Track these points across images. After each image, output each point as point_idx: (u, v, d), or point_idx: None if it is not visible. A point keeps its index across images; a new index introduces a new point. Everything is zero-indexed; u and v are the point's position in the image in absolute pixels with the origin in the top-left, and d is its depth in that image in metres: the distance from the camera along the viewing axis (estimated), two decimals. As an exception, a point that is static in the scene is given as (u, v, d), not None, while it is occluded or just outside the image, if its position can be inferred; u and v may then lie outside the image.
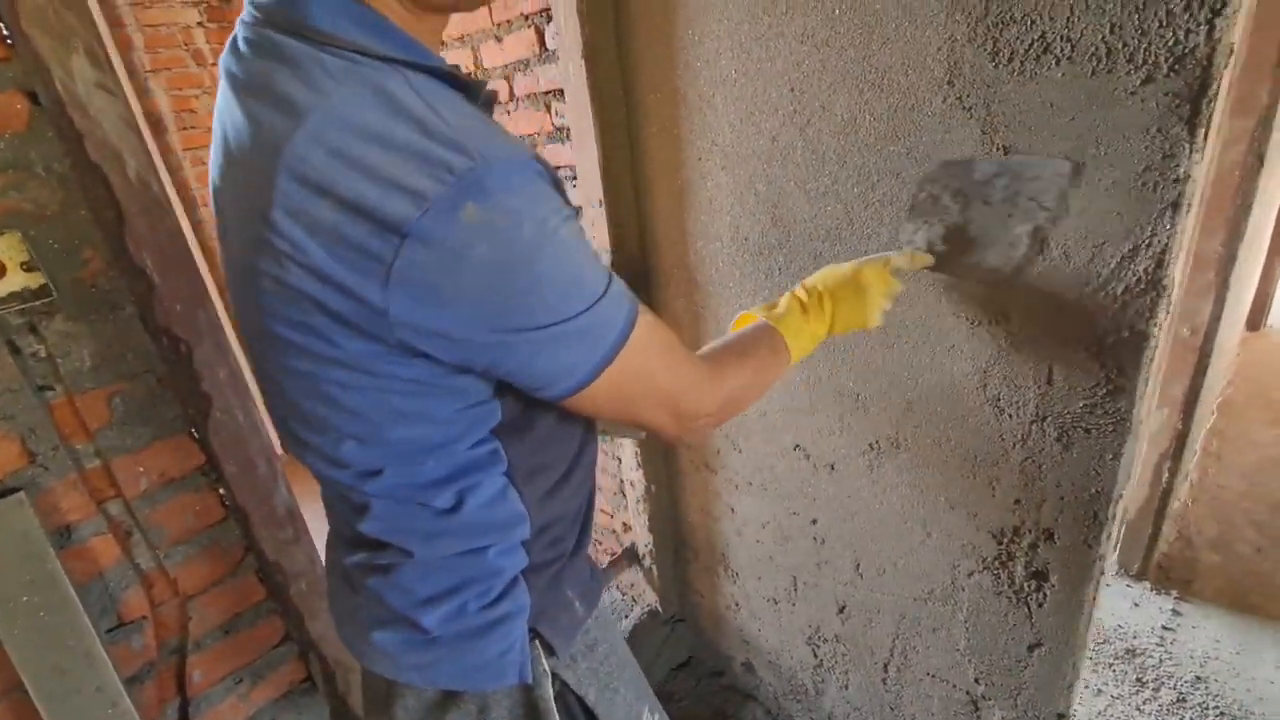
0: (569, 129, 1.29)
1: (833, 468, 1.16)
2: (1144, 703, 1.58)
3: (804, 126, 0.95)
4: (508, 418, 0.57)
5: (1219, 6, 0.59)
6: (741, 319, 0.78)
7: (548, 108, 1.37)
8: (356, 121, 0.43)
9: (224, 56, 0.51)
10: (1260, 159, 1.39)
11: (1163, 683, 1.62)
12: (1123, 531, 1.94)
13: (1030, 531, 0.93)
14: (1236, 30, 0.62)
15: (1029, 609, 0.98)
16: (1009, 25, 0.72)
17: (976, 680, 1.10)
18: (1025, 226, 0.76)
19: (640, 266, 1.33)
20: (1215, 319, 1.55)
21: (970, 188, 0.79)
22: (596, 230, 1.29)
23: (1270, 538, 2.07)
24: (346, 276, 0.44)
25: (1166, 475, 1.76)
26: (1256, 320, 3.54)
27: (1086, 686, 1.64)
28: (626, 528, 1.77)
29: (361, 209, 0.43)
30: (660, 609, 1.76)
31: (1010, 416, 0.88)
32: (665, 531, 1.63)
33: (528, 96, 1.40)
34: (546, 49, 1.30)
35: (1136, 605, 1.87)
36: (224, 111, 0.50)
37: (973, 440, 0.94)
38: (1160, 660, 1.69)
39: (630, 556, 1.70)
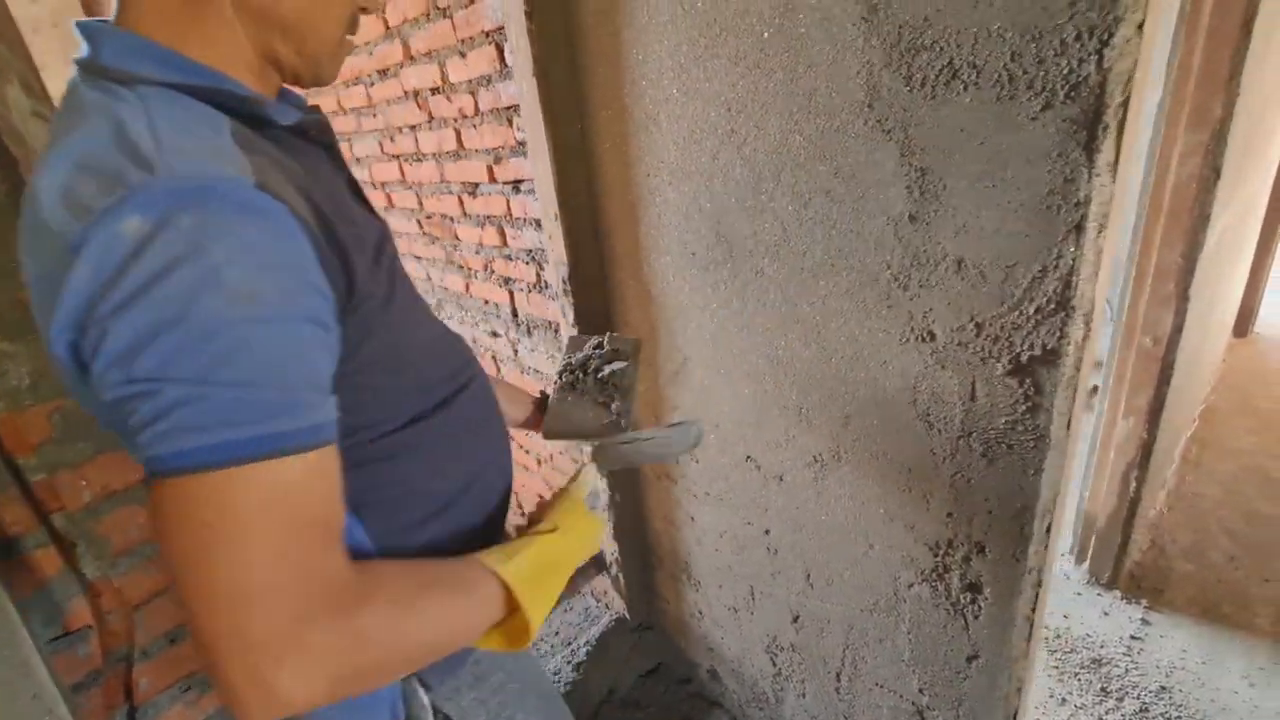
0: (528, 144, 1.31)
1: (781, 479, 1.17)
2: (1107, 712, 1.58)
3: (741, 145, 0.97)
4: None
5: (1107, 37, 0.61)
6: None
7: (509, 122, 1.39)
8: (76, 154, 0.40)
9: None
10: (1216, 171, 1.40)
11: (1127, 693, 1.63)
12: (1093, 541, 1.95)
13: (963, 544, 0.94)
14: (1134, 59, 0.63)
15: (965, 620, 0.99)
16: (920, 52, 0.73)
17: (920, 690, 1.11)
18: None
19: (596, 277, 1.34)
20: (1177, 329, 1.55)
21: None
22: (553, 242, 1.31)
23: (1244, 547, 2.08)
24: (54, 321, 0.39)
25: (1134, 484, 1.77)
26: (1243, 327, 3.53)
27: (1051, 696, 1.64)
28: (597, 535, 1.79)
29: (61, 238, 0.39)
30: (628, 616, 1.77)
31: (939, 431, 0.90)
32: (631, 539, 1.64)
33: (491, 111, 1.43)
34: (506, 65, 1.32)
35: (1106, 614, 1.88)
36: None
37: (907, 454, 0.95)
38: (1126, 670, 1.69)
39: (598, 564, 1.71)
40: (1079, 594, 1.96)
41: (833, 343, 0.97)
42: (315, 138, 0.58)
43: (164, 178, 0.38)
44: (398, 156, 1.84)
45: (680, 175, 1.08)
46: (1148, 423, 1.67)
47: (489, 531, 0.66)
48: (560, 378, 0.92)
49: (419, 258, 2.00)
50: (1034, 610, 0.98)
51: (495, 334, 1.82)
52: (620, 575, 1.67)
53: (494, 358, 1.87)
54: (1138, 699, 1.61)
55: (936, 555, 0.98)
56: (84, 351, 0.38)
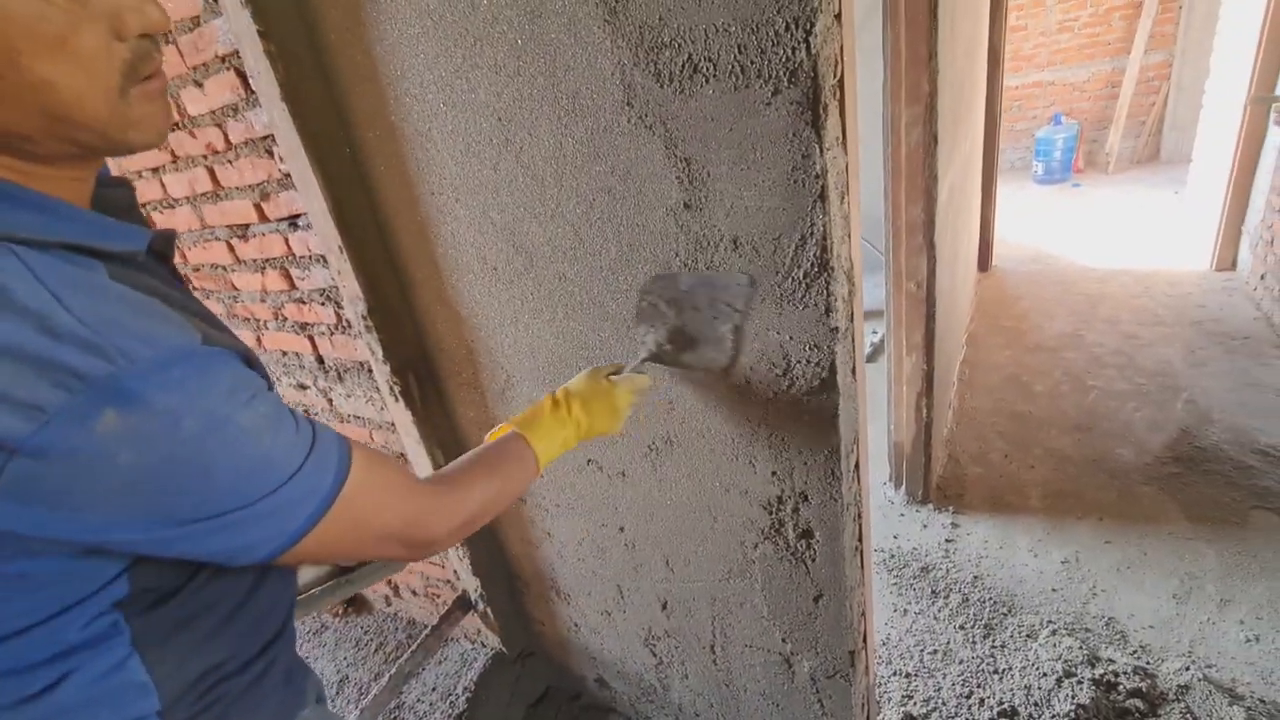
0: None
1: (624, 475, 1.19)
2: (939, 611, 1.82)
3: (519, 153, 0.96)
4: (137, 589, 0.47)
5: (810, 26, 0.68)
6: (497, 430, 0.81)
7: (269, 153, 1.26)
8: None
9: None
10: (934, 138, 1.66)
11: (951, 589, 1.88)
12: (904, 466, 2.22)
13: (790, 497, 1.02)
14: (838, 44, 0.72)
15: (806, 566, 1.08)
16: (663, 49, 0.77)
17: (784, 640, 1.19)
18: (727, 326, 0.91)
19: (400, 307, 1.27)
20: (931, 273, 1.82)
21: (679, 297, 0.93)
22: (344, 278, 1.21)
23: (1014, 444, 2.49)
24: None
25: (925, 410, 2.04)
26: (985, 262, 4.24)
27: (895, 610, 1.85)
28: (457, 575, 1.69)
29: None
30: (505, 649, 1.70)
31: (751, 399, 0.96)
32: (492, 570, 1.58)
33: (245, 143, 1.28)
34: (252, 91, 1.19)
35: (925, 527, 2.16)
36: None
37: (728, 426, 1.01)
38: (946, 571, 1.96)
39: (463, 605, 1.63)
40: (902, 515, 2.23)
41: (643, 334, 1.00)
42: (161, 249, 0.55)
43: (122, 365, 0.39)
44: (144, 205, 1.60)
45: (465, 190, 1.05)
46: (925, 355, 1.93)
47: (285, 610, 0.65)
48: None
49: (193, 316, 1.75)
50: (860, 541, 1.09)
51: (303, 386, 1.65)
52: (488, 609, 1.60)
53: (307, 412, 1.69)
54: (960, 593, 1.86)
55: (771, 513, 1.05)
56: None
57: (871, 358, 3.16)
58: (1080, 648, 1.59)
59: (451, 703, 1.62)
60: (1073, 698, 1.46)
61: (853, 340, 0.91)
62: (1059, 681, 1.51)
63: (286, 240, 1.36)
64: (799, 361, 0.89)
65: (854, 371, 0.93)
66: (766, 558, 1.11)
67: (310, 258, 1.34)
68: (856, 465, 1.02)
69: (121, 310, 0.42)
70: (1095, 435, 2.44)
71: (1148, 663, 1.55)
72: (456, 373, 1.30)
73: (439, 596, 1.88)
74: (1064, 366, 2.93)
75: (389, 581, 2.01)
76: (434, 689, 1.77)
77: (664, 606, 1.33)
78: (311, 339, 1.50)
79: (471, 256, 1.11)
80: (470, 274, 1.14)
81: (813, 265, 0.81)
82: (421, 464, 1.39)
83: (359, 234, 1.19)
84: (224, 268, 1.53)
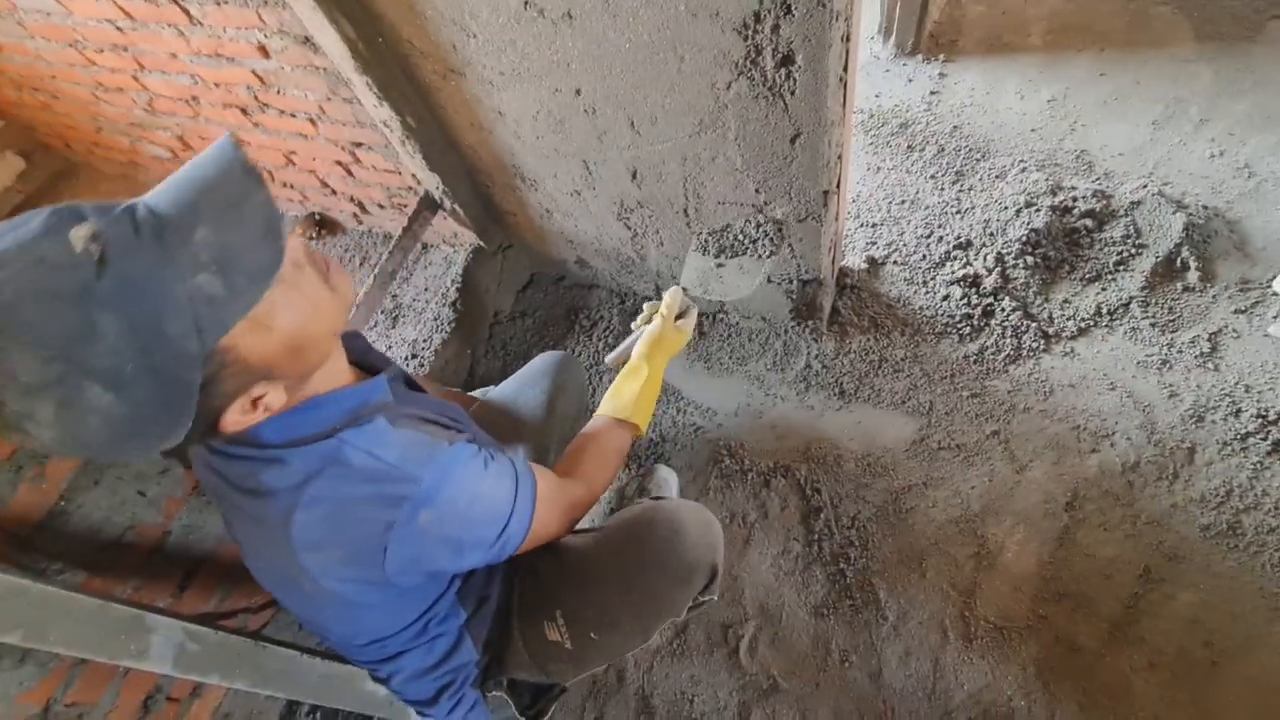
0: None
1: (569, 15, 0.98)
2: (912, 165, 1.80)
3: None
4: (459, 584, 0.87)
5: None
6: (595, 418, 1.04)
7: None
8: (334, 496, 0.66)
9: (199, 469, 0.74)
10: None
11: (927, 142, 1.83)
12: (898, 11, 1.94)
13: (770, 11, 0.85)
14: None
15: (784, 101, 0.97)
16: None
17: (757, 191, 1.17)
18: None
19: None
20: None
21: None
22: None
23: (1026, -28, 2.14)
24: (356, 577, 0.71)
25: (934, -73, 1.67)
26: None
27: (867, 168, 1.83)
28: (417, 180, 1.60)
29: (359, 548, 0.69)
30: (484, 244, 1.73)
31: None
32: (450, 167, 1.48)
33: None
34: None
35: (910, 81, 1.99)
36: (220, 500, 0.74)
37: (692, -87, 0.77)
38: (926, 124, 1.88)
39: (429, 205, 1.58)
40: (888, 70, 2.04)
41: None
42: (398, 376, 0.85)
43: (422, 485, 0.68)
44: None
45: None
46: None
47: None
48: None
49: None
50: (845, 68, 0.95)
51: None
52: (455, 206, 1.56)
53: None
54: (936, 144, 1.82)
55: (746, 38, 0.90)
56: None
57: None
58: (1046, 180, 1.61)
59: (443, 295, 1.72)
60: (1027, 224, 1.53)
61: None
62: (1017, 212, 1.57)
63: None
64: None
65: None
66: (741, 98, 0.99)
67: None
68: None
69: (405, 448, 0.70)
70: (1124, -51, 2.07)
71: (1107, 187, 1.60)
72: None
73: (405, 205, 1.83)
74: None
75: (352, 198, 1.94)
76: (425, 289, 1.87)
77: (633, 176, 1.27)
78: None
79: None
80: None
81: None
82: (329, 41, 1.15)
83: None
84: None
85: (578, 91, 1.13)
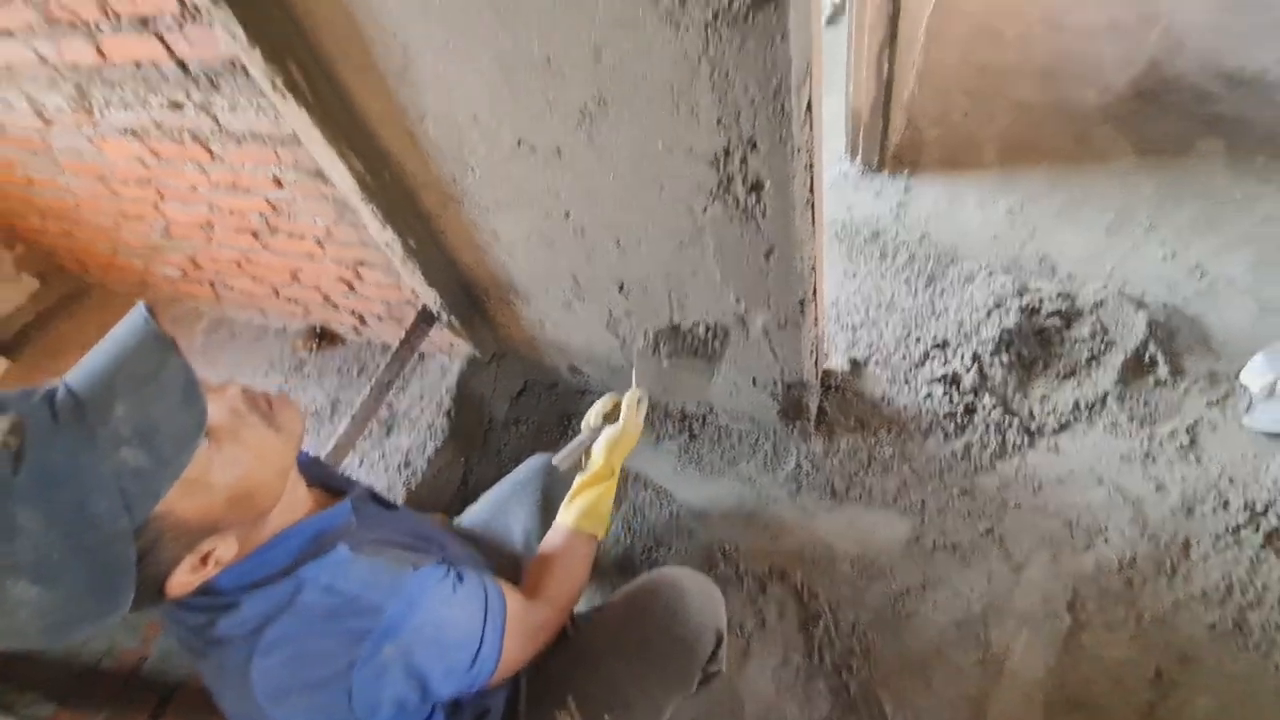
0: None
1: (559, 152, 1.09)
2: (886, 270, 1.90)
3: None
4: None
5: None
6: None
7: None
8: (292, 637, 0.63)
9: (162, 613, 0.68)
10: None
11: (899, 249, 1.95)
12: (861, 133, 2.12)
13: (738, 146, 0.95)
14: None
15: (757, 222, 1.06)
16: None
17: (737, 300, 1.23)
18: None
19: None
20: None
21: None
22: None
23: (976, 99, 2.37)
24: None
25: (888, 64, 1.87)
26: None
27: (845, 273, 1.93)
28: (415, 294, 1.68)
29: (323, 694, 0.64)
30: (479, 353, 1.78)
31: (687, 28, 0.82)
32: (448, 284, 1.56)
33: None
34: None
35: (878, 195, 2.15)
36: (183, 646, 0.69)
37: (663, 69, 0.88)
38: (896, 233, 2.00)
39: (426, 318, 1.65)
40: (857, 186, 2.20)
41: (551, -44, 0.81)
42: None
43: (384, 619, 0.66)
44: None
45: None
46: (890, -6, 1.69)
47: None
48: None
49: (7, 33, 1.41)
50: (811, 192, 1.05)
51: (177, 105, 1.41)
52: (453, 320, 1.63)
53: (195, 137, 1.48)
54: (907, 251, 1.93)
55: (718, 169, 0.99)
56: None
57: (832, 19, 2.82)
58: (1012, 283, 1.71)
59: (438, 404, 1.75)
60: (999, 324, 1.61)
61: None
62: (989, 313, 1.65)
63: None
64: (740, -36, 0.73)
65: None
66: (717, 220, 1.08)
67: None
68: (809, 106, 0.92)
69: (368, 576, 0.68)
70: (1061, 79, 2.31)
71: (1070, 288, 1.69)
72: (345, 54, 1.09)
73: (403, 318, 1.91)
74: (1040, 6, 2.65)
75: (353, 311, 2.02)
76: (421, 397, 1.90)
77: (621, 288, 1.35)
78: (161, 38, 1.23)
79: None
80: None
81: None
82: (340, 175, 1.26)
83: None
84: (5, -53, 1.17)
85: (567, 215, 1.22)
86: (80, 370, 0.56)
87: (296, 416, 0.70)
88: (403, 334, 1.65)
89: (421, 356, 2.04)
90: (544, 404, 1.90)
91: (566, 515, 0.98)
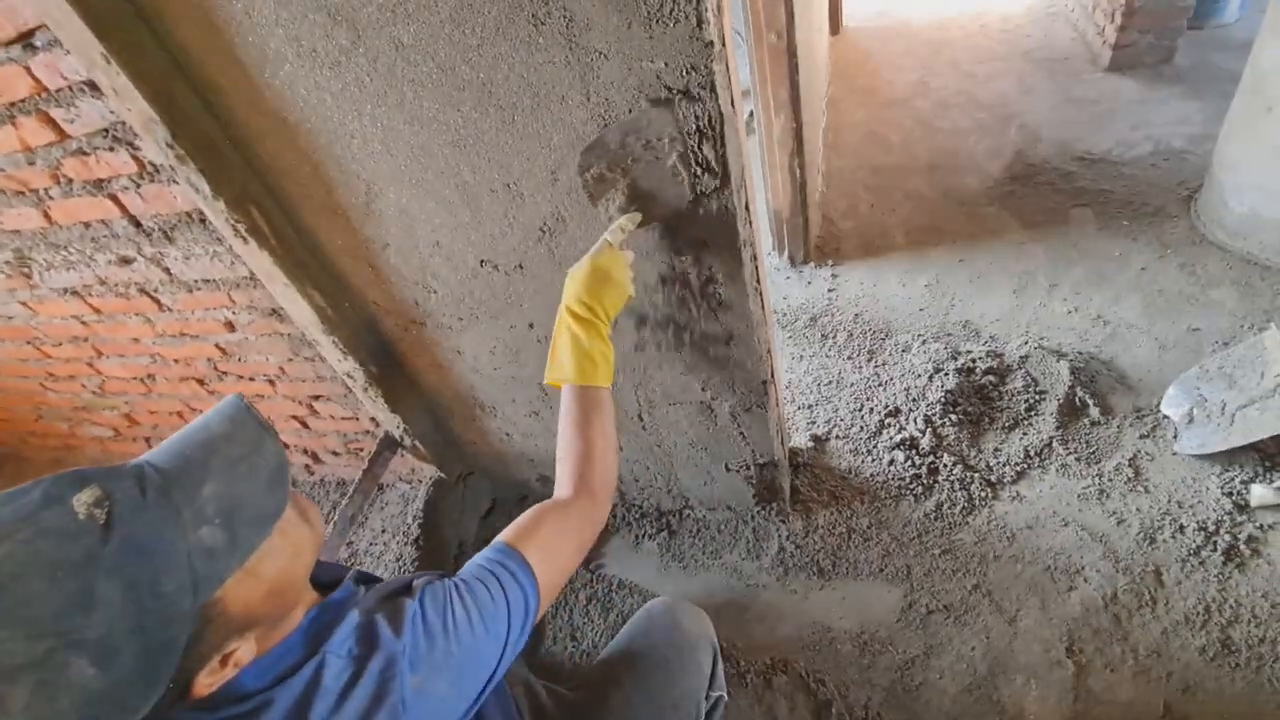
0: None
1: (521, 267, 1.15)
2: (828, 349, 2.02)
3: None
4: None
5: None
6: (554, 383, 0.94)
7: None
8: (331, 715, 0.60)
9: None
10: None
11: (837, 330, 2.08)
12: (784, 232, 2.32)
13: (691, 249, 1.03)
14: None
15: (715, 312, 1.13)
16: None
17: (703, 389, 1.28)
18: (672, 158, 0.91)
19: (210, 127, 1.07)
20: (790, 18, 1.75)
21: (616, 155, 0.92)
22: (125, 99, 0.98)
23: (877, 194, 2.65)
24: None
25: (799, 171, 2.09)
26: (836, 26, 4.17)
27: (793, 357, 2.04)
28: (375, 422, 1.66)
29: None
30: (444, 475, 1.74)
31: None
32: (409, 403, 1.55)
33: None
34: None
35: (809, 284, 2.32)
36: None
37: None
38: (831, 316, 2.15)
39: (389, 444, 1.62)
40: (788, 277, 2.37)
41: (507, 97, 0.91)
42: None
43: (398, 660, 0.64)
44: None
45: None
46: (793, 111, 1.93)
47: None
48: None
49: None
50: (758, 280, 1.14)
51: (126, 260, 1.41)
52: (417, 444, 1.60)
53: (142, 290, 1.47)
54: (844, 330, 2.07)
55: (674, 269, 1.07)
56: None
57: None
58: (944, 349, 1.84)
59: (405, 534, 1.67)
60: (942, 386, 1.72)
61: (726, 64, 0.87)
62: (930, 378, 1.76)
63: (28, 71, 1.07)
64: (678, 91, 0.84)
65: (732, 101, 0.91)
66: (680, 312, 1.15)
67: (72, 88, 1.07)
68: (747, 206, 1.03)
69: (377, 626, 0.66)
70: (945, 172, 2.63)
71: (996, 347, 1.84)
72: (307, 196, 1.14)
73: (362, 449, 1.85)
74: (914, 114, 3.06)
75: (306, 449, 1.95)
76: (383, 530, 1.82)
77: (588, 391, 1.38)
78: (115, 198, 1.26)
79: (280, 41, 0.93)
80: (287, 64, 0.95)
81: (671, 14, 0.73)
82: (300, 311, 1.27)
83: (121, 38, 0.94)
84: (-46, 126, 1.20)
85: (531, 325, 1.27)
86: (167, 448, 0.58)
87: (319, 514, 0.71)
88: (362, 466, 1.60)
89: (381, 487, 1.97)
90: (514, 518, 1.84)
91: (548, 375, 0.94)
